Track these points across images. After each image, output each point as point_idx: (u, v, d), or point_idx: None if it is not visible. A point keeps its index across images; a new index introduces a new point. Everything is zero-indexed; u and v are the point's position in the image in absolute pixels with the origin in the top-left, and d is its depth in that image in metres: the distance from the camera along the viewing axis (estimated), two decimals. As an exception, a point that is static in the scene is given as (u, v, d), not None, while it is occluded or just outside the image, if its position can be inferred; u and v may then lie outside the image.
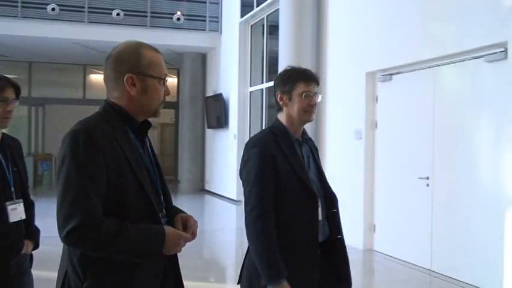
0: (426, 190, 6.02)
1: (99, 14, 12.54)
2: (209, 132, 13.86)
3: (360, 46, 7.29)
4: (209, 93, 13.89)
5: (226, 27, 12.93)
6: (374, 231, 7.07)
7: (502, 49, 4.87)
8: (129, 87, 1.90)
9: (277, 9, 9.11)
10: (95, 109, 2.00)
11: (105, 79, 1.98)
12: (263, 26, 11.26)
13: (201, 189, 14.04)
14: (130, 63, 1.91)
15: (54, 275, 1.93)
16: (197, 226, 2.04)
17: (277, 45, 8.94)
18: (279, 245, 2.39)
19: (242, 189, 2.53)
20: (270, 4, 10.32)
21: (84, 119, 1.88)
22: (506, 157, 4.80)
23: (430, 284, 5.70)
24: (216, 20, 13.45)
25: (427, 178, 6.02)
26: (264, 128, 10.70)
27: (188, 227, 1.98)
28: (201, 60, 14.30)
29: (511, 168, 4.68)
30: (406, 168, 6.46)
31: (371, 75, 7.13)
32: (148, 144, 2.04)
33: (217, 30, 13.41)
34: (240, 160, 2.59)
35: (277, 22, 8.96)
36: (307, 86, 2.55)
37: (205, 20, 13.41)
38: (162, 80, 1.97)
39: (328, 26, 8.13)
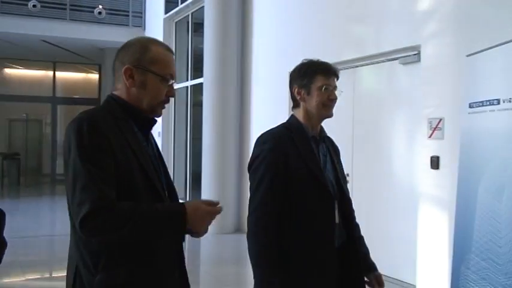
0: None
1: (13, 5, 11.98)
2: (132, 129, 13.62)
3: (283, 46, 7.44)
4: (132, 89, 13.65)
5: (150, 23, 12.77)
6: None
7: (416, 52, 5.15)
8: (126, 79, 1.85)
9: (202, 7, 9.11)
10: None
11: (112, 70, 1.95)
12: (188, 23, 11.21)
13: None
14: (134, 56, 1.87)
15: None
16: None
17: (202, 42, 8.94)
18: (293, 247, 2.27)
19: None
20: (195, 1, 10.29)
21: (87, 110, 1.84)
22: (419, 154, 5.07)
23: None
24: (140, 15, 13.25)
25: (347, 175, 6.24)
26: (187, 126, 10.67)
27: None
28: (124, 56, 14.02)
29: (423, 164, 4.95)
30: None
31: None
32: (152, 140, 1.99)
33: (140, 26, 13.21)
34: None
35: (202, 19, 8.95)
36: (326, 79, 2.40)
37: (128, 15, 13.18)
38: (166, 80, 1.90)
39: (253, 25, 8.23)
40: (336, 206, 2.39)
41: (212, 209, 1.82)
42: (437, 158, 4.74)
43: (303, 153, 2.33)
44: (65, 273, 1.86)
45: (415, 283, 5.09)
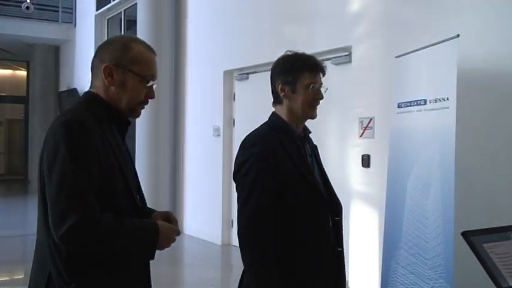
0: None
1: None
2: (63, 129, 13.20)
3: (217, 45, 7.42)
4: (63, 88, 13.24)
5: (81, 19, 12.41)
6: (232, 226, 7.24)
7: (347, 53, 5.26)
8: (105, 77, 1.79)
9: (135, 4, 8.94)
10: None
11: (91, 67, 1.86)
12: (120, 20, 10.98)
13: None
14: (115, 54, 1.80)
15: None
16: (177, 222, 1.96)
17: (135, 40, 8.77)
18: (290, 252, 2.12)
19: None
20: (128, -2, 10.10)
21: (71, 110, 1.76)
22: (350, 153, 5.18)
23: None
24: (70, 11, 12.86)
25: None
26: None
27: (171, 222, 1.91)
28: (54, 53, 13.58)
29: (355, 163, 5.07)
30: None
31: (229, 74, 7.30)
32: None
33: (71, 22, 12.83)
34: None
35: (135, 17, 8.80)
36: (313, 76, 2.22)
37: (57, 11, 12.75)
38: (145, 81, 1.84)
39: (186, 24, 8.17)
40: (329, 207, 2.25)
41: (177, 228, 1.86)
42: (368, 156, 4.86)
43: (292, 155, 2.16)
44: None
45: (347, 277, 5.20)
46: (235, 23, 7.08)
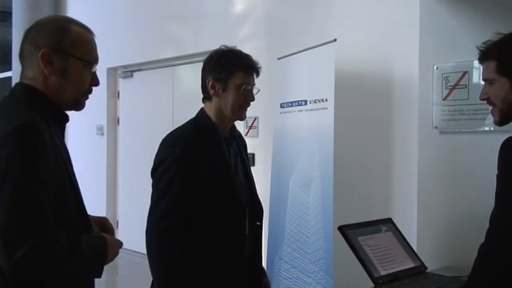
0: (167, 184, 6.25)
1: None
2: None
3: (100, 41, 7.15)
4: None
5: None
6: (117, 227, 7.07)
7: (232, 53, 5.33)
8: (44, 65, 1.54)
9: (9, -5, 8.42)
10: None
11: (19, 55, 1.60)
12: (-7, 11, 10.28)
13: None
14: (51, 38, 1.57)
15: None
16: (114, 231, 1.80)
17: (10, 33, 8.27)
18: (199, 263, 2.05)
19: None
20: (1, -12, 9.47)
21: (15, 111, 1.48)
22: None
23: (172, 274, 5.94)
24: None
25: (168, 173, 6.26)
26: None
27: (108, 230, 1.75)
28: None
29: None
30: (148, 163, 6.57)
31: (112, 71, 7.12)
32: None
33: None
34: None
35: (11, 8, 8.28)
36: (247, 76, 2.14)
37: None
38: (90, 66, 1.64)
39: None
40: (247, 214, 2.20)
41: (120, 241, 1.73)
42: (253, 155, 4.97)
43: (214, 159, 2.08)
44: None
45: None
46: (118, 19, 6.90)
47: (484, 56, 1.82)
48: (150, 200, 2.12)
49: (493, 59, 1.78)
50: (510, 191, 1.64)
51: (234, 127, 2.30)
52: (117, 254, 1.67)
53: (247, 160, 2.32)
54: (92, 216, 1.77)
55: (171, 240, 2.01)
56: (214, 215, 2.08)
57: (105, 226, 1.78)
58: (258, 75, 2.23)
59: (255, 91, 2.22)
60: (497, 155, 1.74)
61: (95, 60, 1.68)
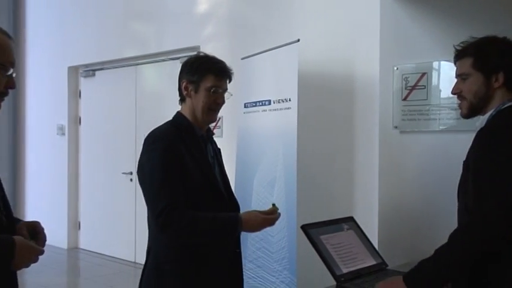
0: (130, 185, 6.19)
1: None
2: None
3: (61, 40, 7.06)
4: None
5: None
6: (79, 228, 6.96)
7: (195, 52, 5.28)
8: None
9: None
10: None
11: None
12: None
13: None
14: None
15: None
16: (45, 236, 1.72)
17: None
18: (188, 258, 2.11)
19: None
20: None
21: None
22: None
23: (135, 277, 5.89)
24: None
25: (131, 173, 6.20)
26: None
27: (38, 233, 1.69)
28: None
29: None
30: (110, 163, 6.53)
31: (74, 70, 7.00)
32: None
33: None
34: None
35: (-35, 5, 8.05)
36: (218, 80, 2.24)
37: None
38: (5, 68, 1.60)
39: (26, 18, 7.65)
40: (228, 205, 2.28)
41: (39, 248, 1.62)
42: (217, 154, 4.97)
43: (195, 154, 2.16)
44: None
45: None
46: (80, 17, 6.78)
47: (461, 53, 1.98)
48: (143, 197, 2.14)
49: (469, 56, 1.94)
50: (491, 178, 1.72)
51: (209, 128, 2.39)
52: (31, 260, 1.59)
53: (222, 163, 2.42)
54: (24, 222, 1.77)
55: (187, 216, 2.05)
56: (198, 205, 2.13)
57: (35, 229, 1.75)
58: (230, 80, 2.32)
59: (227, 95, 2.31)
60: (471, 145, 1.85)
61: (10, 63, 1.66)
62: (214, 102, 2.26)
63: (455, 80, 2.02)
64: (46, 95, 7.27)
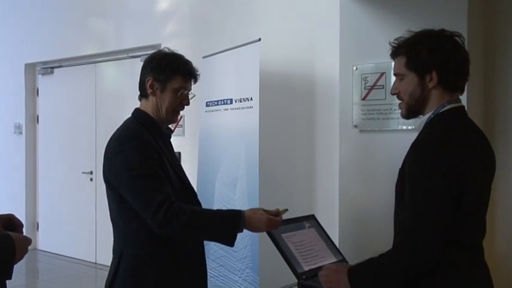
0: (90, 185, 6.10)
1: None
2: None
3: (18, 37, 6.90)
4: None
5: None
6: (38, 229, 6.82)
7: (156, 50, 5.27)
8: None
9: None
10: None
11: None
12: None
13: None
14: None
15: None
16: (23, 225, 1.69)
17: None
18: (163, 257, 2.09)
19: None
20: None
21: None
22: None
23: (96, 277, 5.82)
24: None
25: (91, 173, 6.11)
26: None
27: (16, 226, 1.66)
28: None
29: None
30: (70, 163, 6.42)
31: (31, 67, 6.85)
32: None
33: None
34: None
35: None
36: (185, 82, 2.19)
37: None
38: None
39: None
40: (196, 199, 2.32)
41: (29, 238, 1.61)
42: (179, 153, 4.93)
43: (162, 148, 2.14)
44: None
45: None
46: (37, 14, 6.64)
47: (396, 51, 1.88)
48: (130, 197, 2.07)
49: (403, 55, 1.84)
50: (425, 196, 1.68)
51: (168, 127, 2.37)
52: (26, 252, 1.59)
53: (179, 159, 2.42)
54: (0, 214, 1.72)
55: (184, 209, 2.01)
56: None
57: (12, 222, 1.70)
58: (195, 81, 2.29)
59: (190, 96, 2.28)
60: (407, 152, 1.82)
61: None
62: (180, 104, 2.23)
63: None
64: (2, 92, 7.08)
